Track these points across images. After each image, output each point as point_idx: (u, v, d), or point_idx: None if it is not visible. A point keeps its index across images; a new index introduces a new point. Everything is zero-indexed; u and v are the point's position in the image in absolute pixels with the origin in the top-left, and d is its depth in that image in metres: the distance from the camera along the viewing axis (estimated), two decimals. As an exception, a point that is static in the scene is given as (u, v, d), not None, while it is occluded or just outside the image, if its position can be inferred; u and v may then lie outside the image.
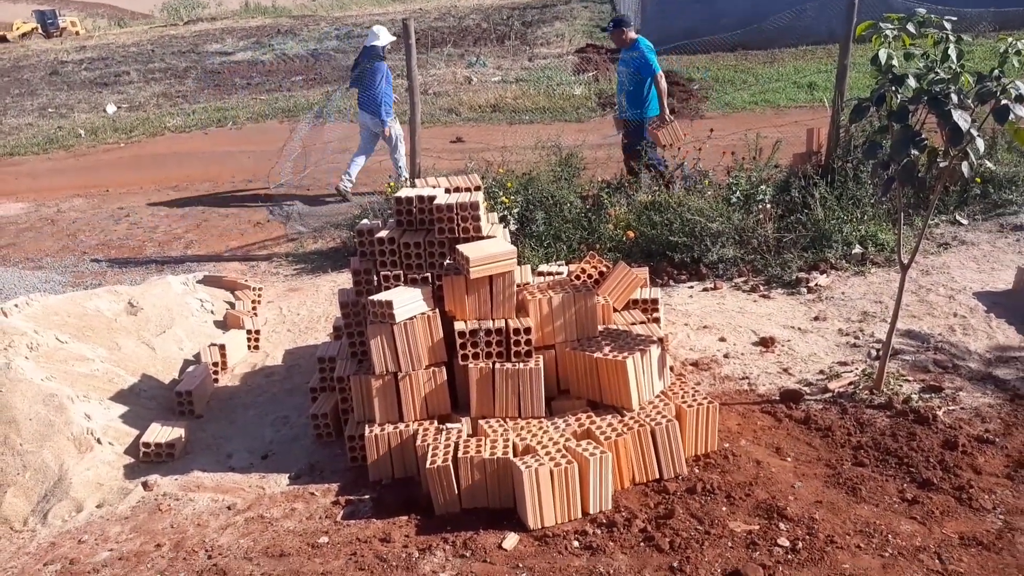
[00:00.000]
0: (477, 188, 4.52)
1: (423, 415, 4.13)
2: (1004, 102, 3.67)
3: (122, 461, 4.33)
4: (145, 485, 4.14)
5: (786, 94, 12.50)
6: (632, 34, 7.76)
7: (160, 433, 4.44)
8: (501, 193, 6.73)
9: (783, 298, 5.78)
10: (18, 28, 31.81)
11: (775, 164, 6.99)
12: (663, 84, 7.55)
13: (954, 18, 3.98)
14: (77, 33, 33.07)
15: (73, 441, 4.28)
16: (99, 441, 4.35)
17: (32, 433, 4.26)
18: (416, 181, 4.78)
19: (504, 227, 5.42)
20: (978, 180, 6.90)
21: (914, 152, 3.88)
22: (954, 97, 3.73)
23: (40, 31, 32.33)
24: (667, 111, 7.56)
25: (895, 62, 3.91)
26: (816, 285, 5.85)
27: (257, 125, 13.77)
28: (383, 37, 8.81)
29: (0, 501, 4.03)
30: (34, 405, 4.36)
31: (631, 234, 6.49)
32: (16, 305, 5.18)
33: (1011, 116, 3.66)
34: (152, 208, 9.34)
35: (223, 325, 5.89)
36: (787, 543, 3.34)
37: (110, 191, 10.25)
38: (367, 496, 3.93)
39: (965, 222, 6.72)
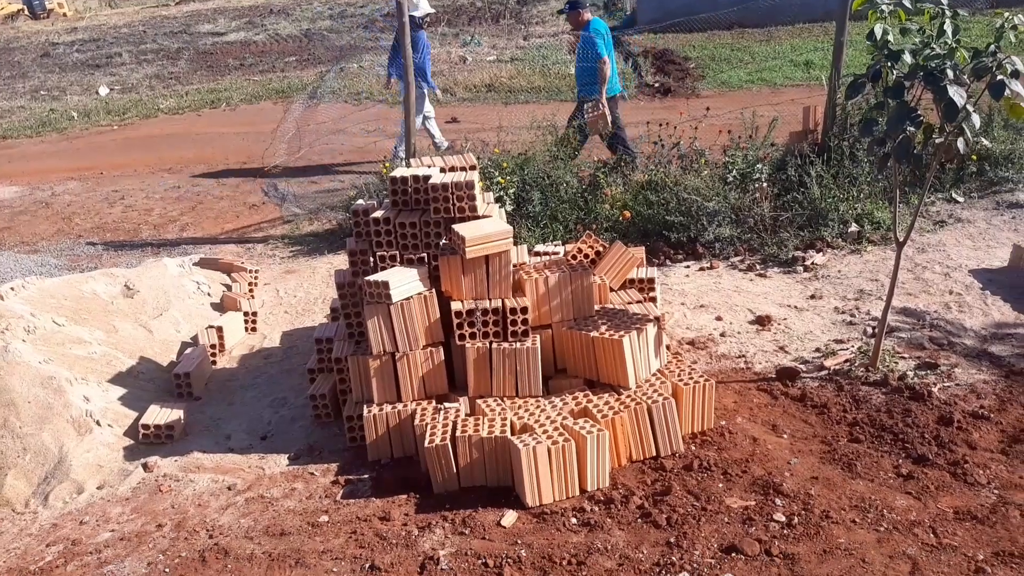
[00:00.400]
0: (472, 167, 4.51)
1: (421, 395, 4.15)
2: (1000, 78, 3.65)
3: (122, 443, 4.35)
4: (145, 466, 4.16)
5: (783, 72, 12.44)
6: (587, 15, 7.84)
7: (159, 415, 4.46)
8: (497, 173, 6.72)
9: (779, 277, 5.79)
10: (2, 8, 31.38)
11: (771, 143, 6.98)
12: (606, 71, 7.62)
13: (951, -7, 3.95)
14: (65, 15, 32.68)
15: (72, 423, 4.29)
16: (98, 423, 4.36)
17: (31, 416, 4.27)
18: (411, 161, 4.77)
19: (500, 207, 5.41)
20: (974, 157, 6.89)
21: (910, 128, 3.87)
22: (950, 73, 3.72)
23: (27, 12, 31.92)
24: (603, 98, 7.63)
25: (891, 38, 3.88)
26: (812, 264, 5.86)
27: (251, 106, 13.70)
28: (422, 7, 8.83)
29: (1, 484, 4.04)
30: (32, 388, 4.37)
31: (627, 214, 6.49)
32: (12, 288, 5.18)
33: (1007, 92, 3.65)
34: (147, 190, 9.30)
35: (220, 307, 5.89)
36: (783, 518, 3.37)
37: (104, 174, 10.21)
38: (366, 476, 3.96)
39: (961, 200, 6.72)
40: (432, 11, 8.80)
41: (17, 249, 7.68)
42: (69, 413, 4.32)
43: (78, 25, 28.00)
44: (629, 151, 7.60)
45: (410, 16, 8.66)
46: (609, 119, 7.51)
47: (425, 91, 8.90)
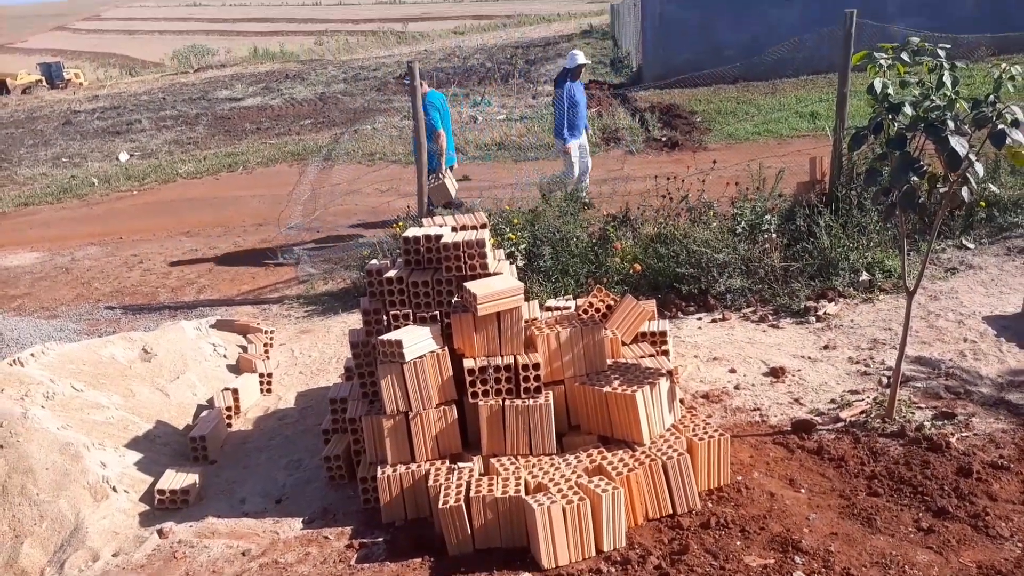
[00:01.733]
0: (483, 226, 4.58)
1: (435, 455, 4.14)
2: (1000, 127, 3.71)
3: (137, 509, 4.36)
4: (160, 532, 4.15)
5: (788, 124, 12.60)
6: (425, 87, 8.15)
7: (175, 480, 4.47)
8: (508, 229, 6.80)
9: (792, 327, 5.79)
10: (20, 79, 32.37)
11: (779, 194, 7.04)
12: (442, 143, 8.10)
13: (948, 45, 4.03)
14: (81, 84, 33.73)
15: (89, 490, 4.31)
16: (115, 489, 4.37)
17: (48, 483, 4.29)
18: (423, 220, 4.85)
19: (511, 263, 5.46)
20: (983, 204, 6.91)
21: (914, 178, 3.91)
22: (950, 123, 3.77)
23: (45, 83, 32.97)
24: (443, 168, 8.04)
25: (891, 91, 3.96)
26: (825, 313, 5.85)
27: (267, 169, 13.98)
28: (579, 57, 8.86)
29: (17, 552, 4.05)
30: (50, 454, 4.40)
31: (638, 267, 6.52)
32: (32, 354, 5.26)
33: (1008, 140, 3.70)
34: (165, 254, 9.46)
35: (236, 369, 5.94)
36: (803, 576, 3.32)
37: (123, 238, 10.41)
38: (380, 538, 3.93)
39: (971, 246, 6.72)
40: (587, 62, 8.76)
41: (37, 315, 7.80)
42: (86, 479, 4.34)
43: (99, 93, 28.85)
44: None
45: (564, 67, 8.91)
46: (452, 189, 7.93)
47: (571, 144, 8.74)
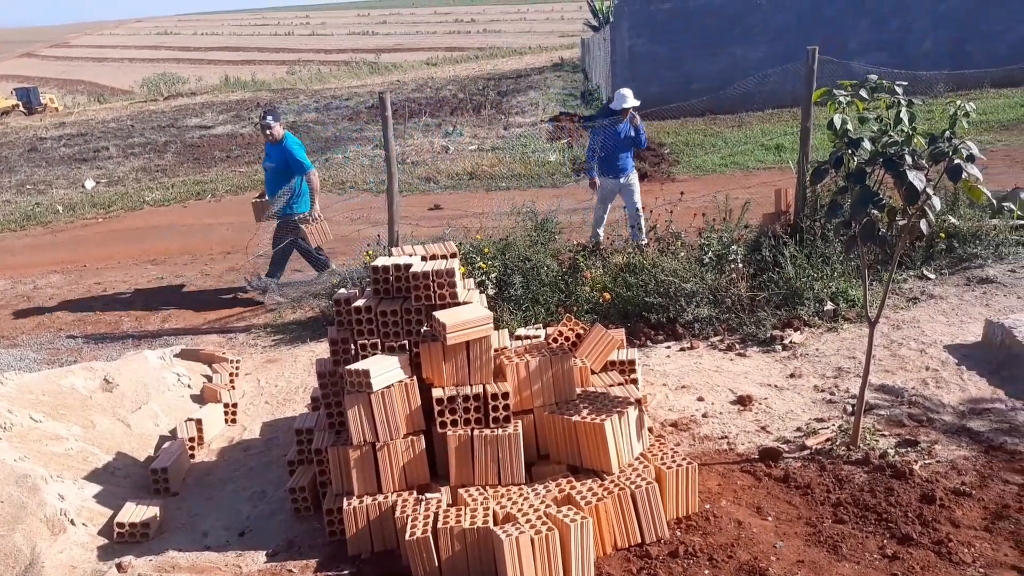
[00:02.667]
0: (453, 255, 4.59)
1: (402, 485, 4.10)
2: (956, 162, 3.82)
3: (96, 542, 4.24)
4: (119, 567, 4.04)
5: (754, 156, 12.84)
6: (279, 130, 8.10)
7: (135, 512, 4.36)
8: (479, 258, 6.82)
9: (759, 356, 5.85)
10: None
11: (745, 224, 7.16)
12: (315, 181, 8.07)
13: (905, 83, 4.16)
14: (57, 110, 33.57)
15: (46, 523, 4.19)
16: (72, 522, 4.26)
17: (3, 516, 4.17)
18: (392, 249, 4.85)
19: (481, 292, 5.47)
20: (943, 235, 7.08)
21: (874, 211, 4.01)
22: (908, 159, 3.88)
23: (22, 108, 32.79)
24: (317, 208, 8.05)
25: (850, 126, 4.06)
26: (791, 342, 5.93)
27: (236, 197, 13.89)
28: (628, 100, 8.02)
29: (-32, 588, 3.92)
30: (6, 487, 4.28)
31: (607, 296, 6.57)
32: (-11, 385, 5.13)
33: (964, 175, 3.81)
34: (130, 282, 9.32)
35: (200, 399, 5.84)
36: (770, 605, 3.32)
37: (87, 266, 10.24)
38: (346, 572, 3.87)
39: (932, 276, 6.87)
40: (636, 103, 8.07)
41: (-4, 344, 7.63)
42: (43, 512, 4.22)
43: (66, 120, 28.55)
44: (320, 262, 8.15)
45: (610, 108, 8.39)
46: (327, 228, 7.98)
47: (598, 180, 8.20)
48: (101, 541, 4.26)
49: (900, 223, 4.12)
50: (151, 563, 4.07)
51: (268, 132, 8.03)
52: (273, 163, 8.06)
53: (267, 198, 8.28)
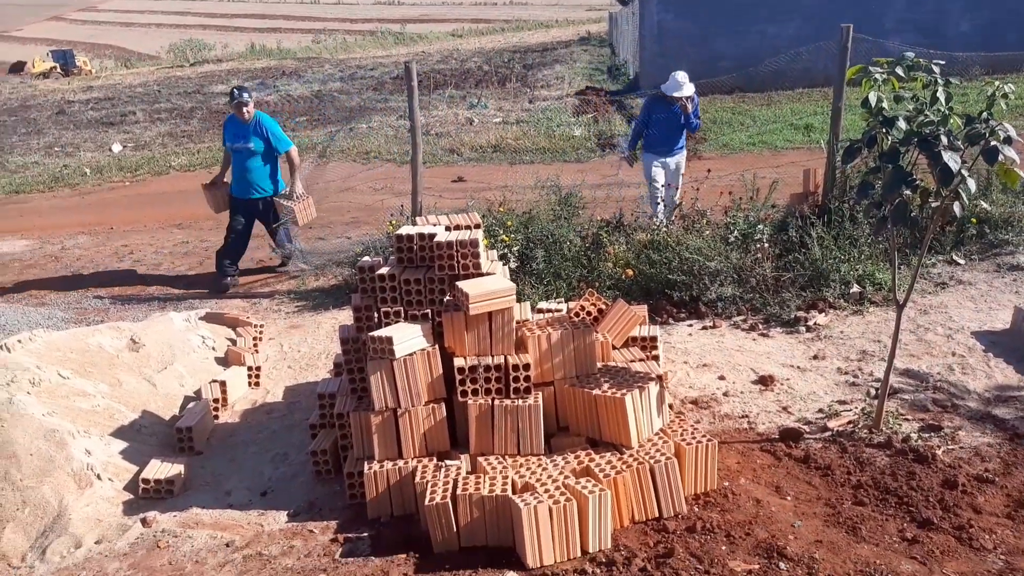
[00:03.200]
0: (477, 226, 4.59)
1: (422, 452, 4.14)
2: (993, 143, 3.74)
3: (121, 497, 4.33)
4: (144, 521, 4.13)
5: (783, 135, 12.68)
6: (252, 108, 7.66)
7: (160, 469, 4.45)
8: (501, 231, 6.81)
9: (782, 337, 5.81)
10: (38, 67, 32.62)
11: (772, 204, 7.08)
12: (297, 157, 7.82)
13: (942, 62, 4.07)
14: (91, 72, 33.85)
15: (73, 477, 4.28)
16: (99, 477, 4.35)
17: (32, 468, 4.26)
18: (416, 219, 4.85)
19: (504, 265, 5.47)
20: (974, 220, 6.98)
21: (906, 192, 3.94)
22: (944, 139, 3.81)
23: (59, 70, 33.15)
24: (300, 186, 7.79)
25: (885, 105, 3.99)
26: (815, 324, 5.88)
27: (261, 164, 13.92)
28: (685, 87, 7.65)
29: (-2, 537, 4.02)
30: (35, 440, 4.37)
31: (630, 272, 6.54)
32: (19, 340, 5.22)
33: (1000, 157, 3.74)
34: (155, 245, 9.42)
35: (224, 362, 5.91)
36: (787, 582, 3.33)
37: (114, 229, 10.35)
38: (365, 534, 3.92)
39: (962, 262, 6.78)
40: (688, 94, 7.65)
41: (25, 302, 7.75)
42: (70, 466, 4.31)
43: (93, 84, 28.71)
44: (287, 242, 7.96)
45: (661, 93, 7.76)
46: (312, 206, 7.76)
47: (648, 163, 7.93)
48: (127, 496, 4.35)
49: (933, 205, 4.06)
50: (175, 519, 4.15)
51: (244, 109, 7.55)
52: (249, 143, 7.60)
53: (226, 183, 7.95)
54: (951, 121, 3.87)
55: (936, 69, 4.00)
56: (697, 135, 13.08)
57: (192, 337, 6.04)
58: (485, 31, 42.50)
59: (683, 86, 7.60)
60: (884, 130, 3.97)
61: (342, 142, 14.63)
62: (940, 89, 3.94)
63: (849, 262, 6.40)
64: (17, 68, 32.73)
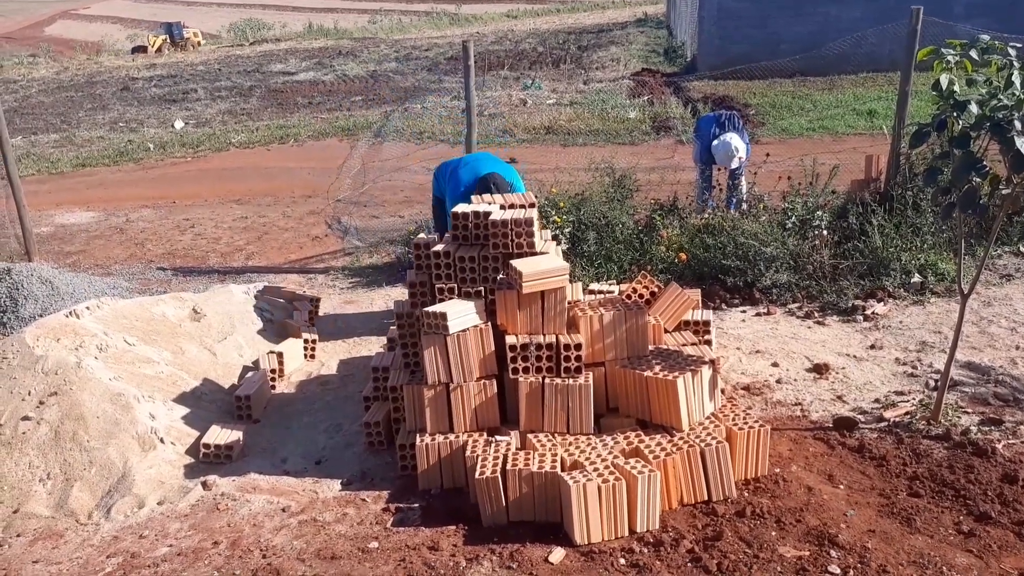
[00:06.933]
0: (532, 205, 4.60)
1: (473, 427, 4.19)
2: (1071, 130, 3.60)
3: (183, 461, 4.49)
4: (204, 485, 4.27)
5: (845, 121, 12.36)
6: None
7: (219, 435, 4.59)
8: (553, 212, 6.80)
9: (838, 325, 5.71)
10: (153, 44, 33.35)
11: (832, 190, 6.93)
12: None
13: (1019, 45, 3.93)
14: (199, 44, 34.29)
15: (137, 440, 4.45)
16: (162, 440, 4.51)
17: (99, 430, 4.44)
18: (472, 197, 4.88)
19: (557, 245, 5.48)
20: (1044, 211, 6.73)
21: (975, 179, 3.83)
22: (1018, 124, 3.68)
23: (169, 43, 33.64)
24: None
25: (957, 88, 3.87)
26: (873, 313, 5.76)
27: (318, 143, 14.14)
28: (740, 153, 7.26)
29: (67, 495, 4.20)
30: (102, 403, 4.55)
31: (683, 256, 6.49)
32: (87, 308, 5.42)
33: (1078, 144, 3.60)
34: (216, 219, 9.65)
35: (281, 334, 6.05)
36: (838, 571, 3.30)
37: (176, 203, 10.63)
38: (416, 504, 4.00)
39: (1030, 254, 6.56)
40: (744, 159, 7.31)
41: (92, 271, 8.03)
42: (135, 429, 4.48)
43: (156, 62, 29.38)
44: None
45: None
46: None
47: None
48: (188, 460, 4.50)
49: (1003, 193, 3.94)
50: (234, 483, 4.29)
51: None
52: None
53: None
54: (1026, 106, 3.73)
55: (1012, 52, 3.86)
56: (755, 119, 12.86)
57: (251, 309, 6.19)
58: (540, 12, 42.23)
59: (735, 156, 7.15)
60: (955, 114, 3.85)
61: (397, 122, 14.75)
62: (1016, 73, 3.79)
63: (911, 251, 6.24)
64: (140, 49, 33.30)
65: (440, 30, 35.81)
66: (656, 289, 4.78)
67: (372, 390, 4.78)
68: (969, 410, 4.50)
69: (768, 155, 7.96)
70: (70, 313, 5.31)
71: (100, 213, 10.33)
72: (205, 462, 4.48)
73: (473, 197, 4.83)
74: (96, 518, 4.12)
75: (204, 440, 4.53)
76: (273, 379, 5.39)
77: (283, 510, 4.02)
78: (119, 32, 42.13)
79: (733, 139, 7.17)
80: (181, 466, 4.44)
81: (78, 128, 17.22)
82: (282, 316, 6.26)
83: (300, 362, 5.75)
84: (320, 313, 6.53)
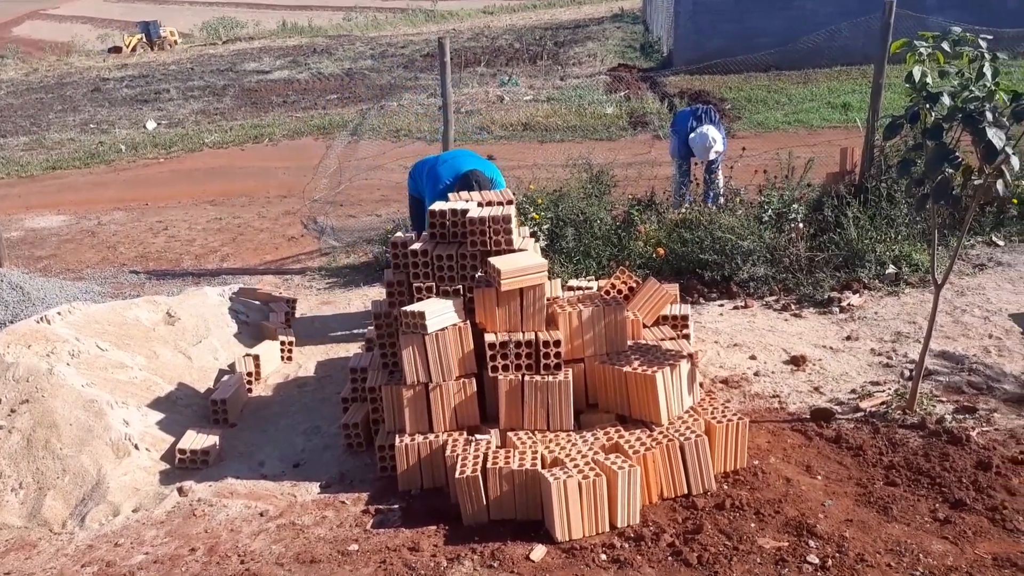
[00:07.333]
0: (509, 202, 4.58)
1: (453, 426, 4.17)
2: (1040, 120, 3.64)
3: (158, 467, 4.43)
4: (180, 490, 4.22)
5: (819, 114, 12.45)
6: None
7: (195, 440, 4.53)
8: (531, 209, 6.79)
9: (815, 317, 5.75)
10: (129, 43, 32.82)
11: (808, 183, 6.97)
12: None
13: (990, 37, 3.96)
14: (175, 43, 33.77)
15: (111, 446, 4.38)
16: (136, 447, 4.44)
17: (72, 438, 4.37)
18: (449, 195, 4.85)
19: (535, 242, 5.46)
20: (1015, 201, 6.81)
21: (948, 169, 3.86)
22: (989, 115, 3.72)
23: (145, 41, 33.08)
24: None
25: (929, 80, 3.90)
26: (848, 305, 5.81)
27: (293, 142, 14.02)
28: (716, 147, 7.25)
29: (40, 504, 4.13)
30: (74, 410, 4.48)
31: (661, 251, 6.50)
32: (59, 313, 5.33)
33: (1047, 134, 3.64)
34: (189, 221, 9.54)
35: (257, 336, 5.99)
36: (816, 560, 3.32)
37: (149, 205, 10.50)
38: (396, 506, 3.97)
39: (1001, 243, 6.64)
40: (721, 152, 7.33)
41: (63, 276, 7.90)
42: (109, 436, 4.41)
43: (128, 62, 28.99)
44: None
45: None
46: None
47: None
48: (163, 466, 4.44)
49: (975, 183, 3.97)
50: (210, 488, 4.24)
51: None
52: None
53: None
54: (997, 97, 3.77)
55: (983, 44, 3.89)
56: (731, 114, 12.92)
57: (226, 312, 6.12)
58: (516, 8, 42.16)
59: (714, 146, 7.16)
60: (928, 106, 3.89)
61: (373, 120, 14.66)
62: (987, 64, 3.83)
63: (885, 242, 6.30)
64: (115, 50, 32.71)
65: (416, 27, 35.64)
66: (634, 284, 4.79)
67: (350, 391, 4.74)
68: (944, 399, 4.54)
69: (744, 149, 8.00)
70: (41, 319, 5.22)
71: (71, 217, 10.17)
72: (181, 468, 4.42)
73: (451, 195, 4.79)
74: (70, 527, 4.06)
75: (180, 445, 4.47)
76: (249, 382, 5.34)
77: (261, 514, 3.98)
78: (90, 32, 41.47)
79: (710, 131, 7.19)
80: (156, 472, 4.38)
81: (48, 130, 16.94)
82: (258, 318, 6.20)
83: (277, 364, 5.70)
84: (297, 314, 6.47)
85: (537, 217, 6.72)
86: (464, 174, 5.32)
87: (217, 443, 4.56)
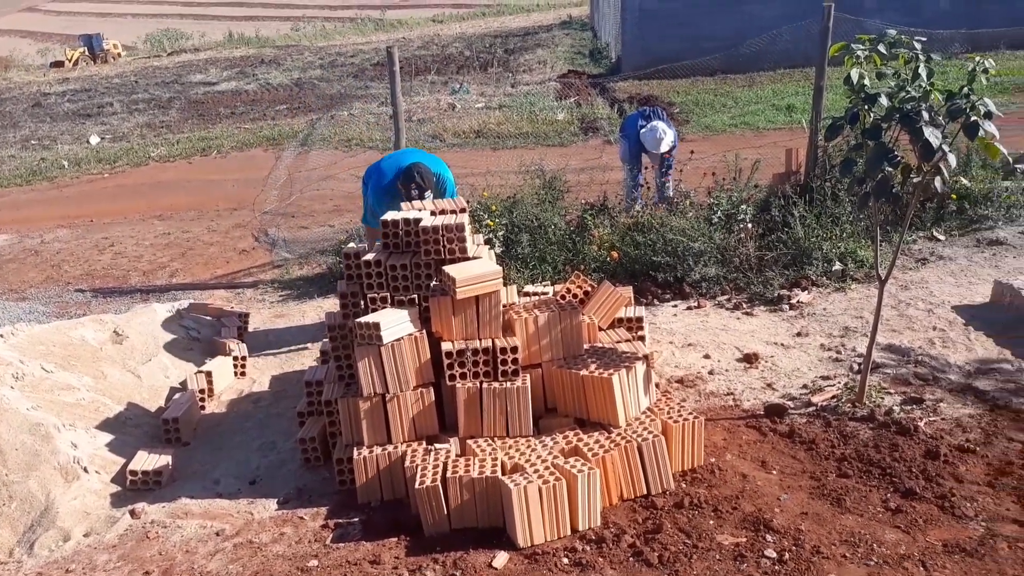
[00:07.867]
0: (463, 210, 4.58)
1: (411, 436, 4.15)
2: (973, 119, 3.77)
3: (109, 490, 4.31)
4: (132, 513, 4.11)
5: (765, 116, 12.70)
6: None
7: (147, 461, 4.43)
8: (486, 216, 6.80)
9: (766, 315, 5.85)
10: (71, 57, 31.87)
11: (755, 184, 7.10)
12: None
13: (924, 38, 4.09)
14: (119, 55, 32.89)
15: (59, 470, 4.26)
16: (86, 470, 4.32)
17: (18, 463, 4.24)
18: (400, 204, 4.83)
19: (490, 249, 5.46)
20: (954, 196, 7.04)
21: (888, 168, 3.97)
22: (925, 115, 3.83)
23: (88, 55, 32.13)
24: None
25: (867, 82, 4.01)
26: (798, 302, 5.93)
27: (242, 153, 13.82)
28: (664, 142, 7.23)
29: (-15, 532, 3.99)
30: (20, 435, 4.34)
31: (615, 255, 6.56)
32: (1, 335, 5.17)
33: (981, 132, 3.77)
34: (136, 237, 9.33)
35: (209, 352, 5.88)
36: (774, 554, 3.37)
37: (94, 221, 10.24)
38: (356, 519, 3.93)
39: (942, 238, 6.84)
40: (673, 145, 7.37)
41: (5, 297, 7.67)
42: (56, 460, 4.28)
43: (69, 76, 28.30)
44: None
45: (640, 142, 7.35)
46: None
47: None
48: (114, 488, 4.33)
49: (914, 181, 4.09)
50: (164, 509, 4.14)
51: None
52: None
53: None
54: (932, 97, 3.89)
55: (918, 45, 4.01)
56: (679, 117, 13.10)
57: (176, 328, 6.01)
58: (466, 16, 42.21)
59: (664, 140, 7.19)
60: (866, 107, 4.00)
61: (323, 130, 14.53)
62: (922, 65, 3.96)
63: (831, 240, 6.44)
64: (57, 64, 31.70)
65: (365, 36, 35.46)
66: (589, 288, 4.82)
67: (306, 405, 4.68)
68: (892, 390, 4.66)
69: (693, 152, 8.12)
70: (-19, 341, 5.05)
71: (13, 235, 9.87)
72: (133, 489, 4.31)
73: (404, 204, 4.77)
74: (18, 555, 3.93)
75: (131, 467, 4.37)
76: (202, 399, 5.23)
77: (217, 534, 3.90)
78: (29, 46, 40.39)
79: (659, 124, 7.27)
80: (107, 495, 4.27)
81: (-14, 147, 16.43)
82: (210, 334, 6.09)
83: (230, 380, 5.60)
84: (250, 328, 6.37)
85: (492, 224, 6.72)
86: (407, 167, 5.27)
87: (170, 463, 4.46)
